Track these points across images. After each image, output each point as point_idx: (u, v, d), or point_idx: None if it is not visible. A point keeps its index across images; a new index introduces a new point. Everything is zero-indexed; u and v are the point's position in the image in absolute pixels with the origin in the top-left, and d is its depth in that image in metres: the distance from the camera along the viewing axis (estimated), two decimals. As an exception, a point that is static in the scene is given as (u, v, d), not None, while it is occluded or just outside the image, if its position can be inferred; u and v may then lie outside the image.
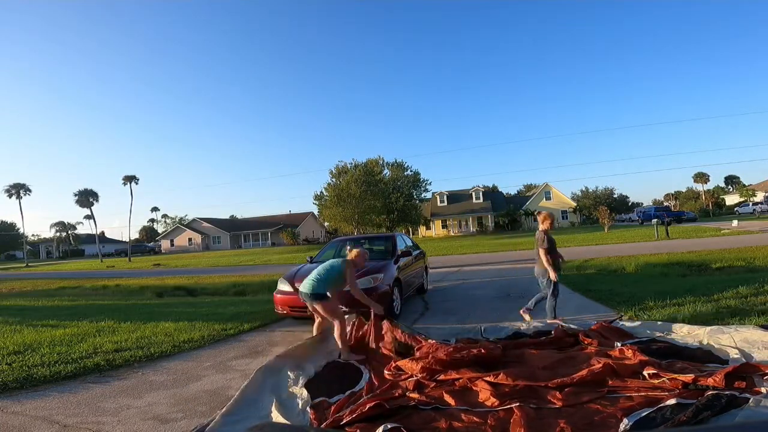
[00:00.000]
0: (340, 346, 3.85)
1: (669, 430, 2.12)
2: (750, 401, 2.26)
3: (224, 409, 2.70)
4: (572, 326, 4.14)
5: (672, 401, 2.37)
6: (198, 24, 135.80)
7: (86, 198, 43.24)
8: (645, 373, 2.79)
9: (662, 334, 3.82)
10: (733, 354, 3.13)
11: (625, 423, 2.22)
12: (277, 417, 2.62)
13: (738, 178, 69.62)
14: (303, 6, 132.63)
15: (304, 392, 2.96)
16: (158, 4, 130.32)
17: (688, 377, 2.62)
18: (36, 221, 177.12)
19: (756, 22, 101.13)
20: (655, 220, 21.86)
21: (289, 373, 3.35)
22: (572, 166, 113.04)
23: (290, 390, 3.05)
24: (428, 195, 47.85)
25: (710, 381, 2.52)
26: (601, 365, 2.88)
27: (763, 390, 2.37)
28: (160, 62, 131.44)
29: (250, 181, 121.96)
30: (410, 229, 44.59)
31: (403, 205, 39.85)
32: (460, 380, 2.90)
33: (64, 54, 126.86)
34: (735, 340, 3.38)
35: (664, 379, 2.66)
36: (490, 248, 20.61)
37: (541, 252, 4.76)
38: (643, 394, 2.53)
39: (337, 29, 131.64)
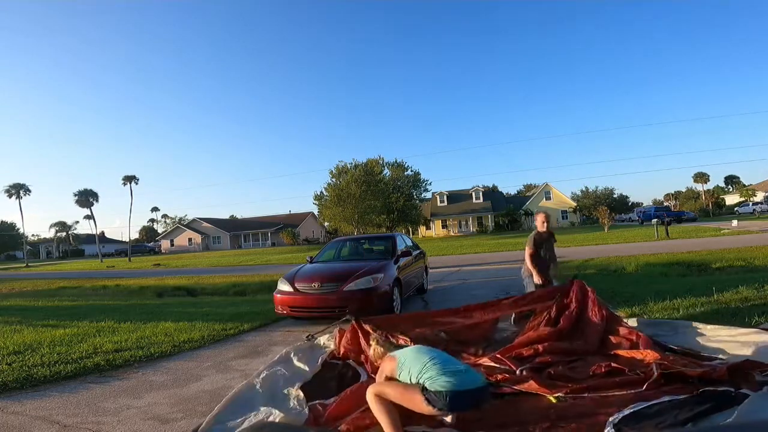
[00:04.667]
0: None
1: (673, 430, 2.12)
2: (750, 397, 2.27)
3: (216, 410, 2.69)
4: None
5: (666, 398, 2.40)
6: (197, 24, 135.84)
7: (86, 198, 43.27)
8: (653, 364, 2.83)
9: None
10: (723, 355, 3.15)
11: (614, 417, 2.25)
12: (272, 417, 2.61)
13: (738, 178, 69.66)
14: (303, 6, 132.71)
15: (300, 394, 2.95)
16: (156, 4, 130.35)
17: (696, 372, 2.64)
18: (36, 221, 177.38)
19: (756, 21, 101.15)
20: (655, 220, 21.86)
21: (285, 374, 3.34)
22: (572, 166, 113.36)
23: (285, 392, 3.04)
24: (428, 195, 47.91)
25: (714, 375, 2.56)
26: (604, 367, 2.95)
27: (763, 389, 2.38)
28: (160, 63, 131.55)
29: (250, 181, 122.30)
30: (410, 229, 44.58)
31: (403, 205, 39.86)
32: None
33: (63, 55, 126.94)
34: (727, 341, 3.39)
35: (651, 368, 2.72)
36: (490, 248, 20.61)
37: (526, 253, 5.17)
38: (633, 391, 2.57)
39: (337, 30, 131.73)
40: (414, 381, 2.32)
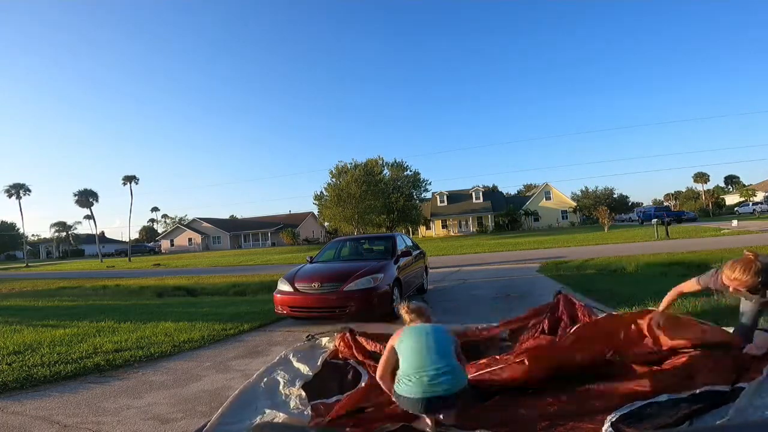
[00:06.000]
0: None
1: (671, 430, 2.13)
2: (745, 389, 2.28)
3: (220, 411, 2.70)
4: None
5: (664, 396, 2.40)
6: (197, 24, 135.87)
7: (86, 198, 43.28)
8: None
9: None
10: None
11: (612, 415, 2.25)
12: (276, 419, 2.62)
13: (738, 178, 69.75)
14: (303, 6, 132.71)
15: (302, 393, 2.96)
16: (157, 3, 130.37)
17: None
18: (36, 221, 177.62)
19: (756, 21, 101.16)
20: (655, 220, 21.86)
21: (285, 375, 3.34)
22: (572, 166, 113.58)
23: (287, 391, 3.05)
24: (428, 195, 47.93)
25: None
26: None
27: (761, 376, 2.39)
28: (160, 62, 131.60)
29: (250, 181, 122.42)
30: (410, 229, 44.57)
31: (403, 205, 39.88)
32: None
33: (62, 55, 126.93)
34: None
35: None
36: (490, 248, 20.61)
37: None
38: (633, 386, 2.57)
39: (338, 30, 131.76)
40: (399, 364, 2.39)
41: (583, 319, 3.67)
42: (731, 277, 2.58)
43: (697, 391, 2.42)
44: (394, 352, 2.49)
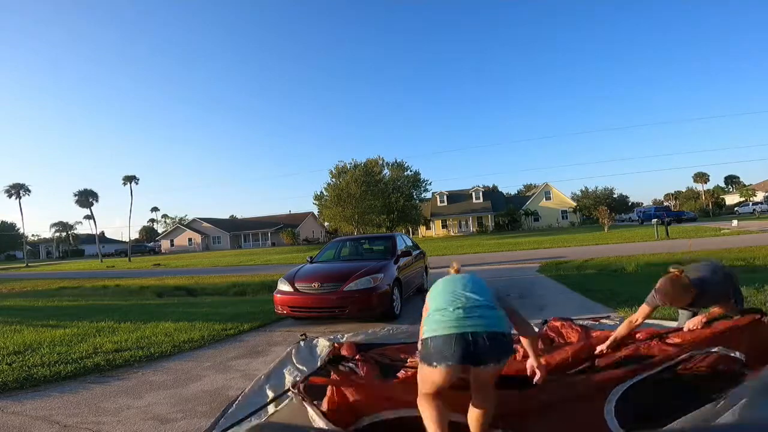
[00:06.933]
0: None
1: (670, 429, 2.11)
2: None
3: (222, 413, 2.70)
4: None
5: (667, 363, 2.34)
6: (196, 24, 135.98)
7: (86, 198, 43.33)
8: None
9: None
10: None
11: (613, 393, 2.20)
12: (275, 418, 2.63)
13: (738, 178, 69.79)
14: (303, 6, 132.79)
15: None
16: (158, 4, 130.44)
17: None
18: (36, 221, 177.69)
19: (756, 20, 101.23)
20: (655, 220, 21.85)
21: (288, 375, 3.35)
22: (572, 166, 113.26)
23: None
24: (428, 195, 47.91)
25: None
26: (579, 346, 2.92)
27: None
28: (160, 62, 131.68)
29: (250, 181, 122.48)
30: (410, 229, 44.59)
31: (403, 205, 39.87)
32: None
33: (62, 55, 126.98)
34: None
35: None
36: (490, 248, 20.61)
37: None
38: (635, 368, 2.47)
39: (338, 29, 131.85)
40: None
41: (568, 333, 3.63)
42: (661, 292, 2.54)
43: (713, 350, 2.34)
44: None
